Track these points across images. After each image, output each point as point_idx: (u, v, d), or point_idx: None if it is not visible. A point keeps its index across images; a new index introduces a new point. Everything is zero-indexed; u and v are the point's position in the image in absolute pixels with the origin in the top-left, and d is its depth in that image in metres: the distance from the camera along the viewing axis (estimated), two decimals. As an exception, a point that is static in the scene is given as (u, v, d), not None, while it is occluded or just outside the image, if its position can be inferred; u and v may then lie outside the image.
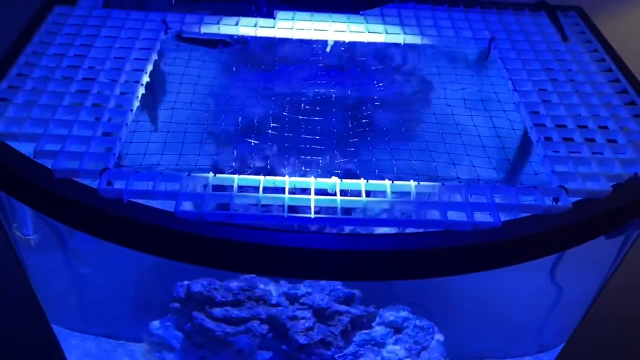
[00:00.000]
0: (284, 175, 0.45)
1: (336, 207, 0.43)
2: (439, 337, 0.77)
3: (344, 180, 0.45)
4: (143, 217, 0.41)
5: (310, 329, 0.71)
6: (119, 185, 0.44)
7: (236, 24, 0.67)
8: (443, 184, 0.45)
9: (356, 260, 0.41)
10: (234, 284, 0.76)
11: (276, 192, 0.44)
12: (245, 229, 0.41)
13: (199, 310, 0.76)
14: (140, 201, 0.44)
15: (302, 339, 0.71)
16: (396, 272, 0.42)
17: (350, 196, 0.44)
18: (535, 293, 0.83)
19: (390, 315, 0.75)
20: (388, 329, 0.74)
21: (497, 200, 0.44)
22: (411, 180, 0.45)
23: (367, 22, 0.68)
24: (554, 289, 0.80)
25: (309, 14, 0.68)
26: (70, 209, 0.44)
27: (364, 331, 0.75)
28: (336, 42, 0.68)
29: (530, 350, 0.90)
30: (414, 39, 0.66)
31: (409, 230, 0.42)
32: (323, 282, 0.78)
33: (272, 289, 0.76)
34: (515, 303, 0.83)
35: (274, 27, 0.67)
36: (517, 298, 0.82)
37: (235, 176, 0.45)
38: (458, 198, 0.44)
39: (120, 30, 0.64)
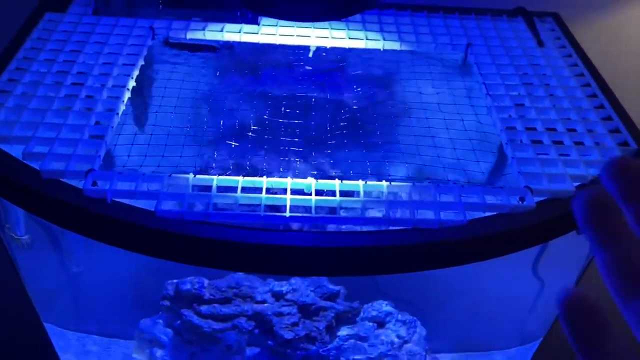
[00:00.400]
0: (262, 176, 0.47)
1: (311, 207, 0.45)
2: (421, 331, 0.79)
3: (319, 181, 0.46)
4: (125, 216, 0.43)
5: (295, 324, 0.73)
6: (103, 185, 0.46)
7: (221, 30, 0.68)
8: (413, 184, 0.46)
9: (326, 256, 0.42)
10: (221, 282, 0.78)
11: (254, 192, 0.45)
12: (223, 227, 0.43)
13: (188, 307, 0.77)
14: (124, 201, 0.46)
15: (287, 334, 0.72)
16: (366, 267, 0.43)
17: (326, 196, 0.45)
18: (518, 287, 0.84)
19: (373, 310, 0.77)
20: (371, 324, 0.76)
21: (465, 199, 0.45)
22: (383, 181, 0.46)
23: (348, 29, 0.70)
24: (536, 282, 0.82)
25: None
26: (56, 209, 0.46)
27: (347, 326, 0.76)
28: (318, 48, 0.70)
29: (511, 343, 0.91)
30: (393, 45, 0.68)
31: (380, 228, 0.43)
32: (309, 279, 0.80)
33: (259, 286, 0.77)
34: (498, 297, 0.84)
35: (258, 33, 0.68)
36: (500, 292, 0.84)
37: (215, 177, 0.47)
38: (427, 197, 0.46)
39: (109, 36, 0.65)
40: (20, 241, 0.71)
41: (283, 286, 0.76)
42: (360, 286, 0.84)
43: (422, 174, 0.49)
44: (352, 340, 0.75)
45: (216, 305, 0.74)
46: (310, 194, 0.46)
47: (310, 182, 0.46)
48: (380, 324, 0.77)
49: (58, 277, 0.85)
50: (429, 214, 0.44)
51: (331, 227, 0.45)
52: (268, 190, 0.46)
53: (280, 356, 0.79)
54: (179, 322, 0.80)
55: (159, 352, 0.84)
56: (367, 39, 0.68)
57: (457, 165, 0.50)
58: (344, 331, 0.77)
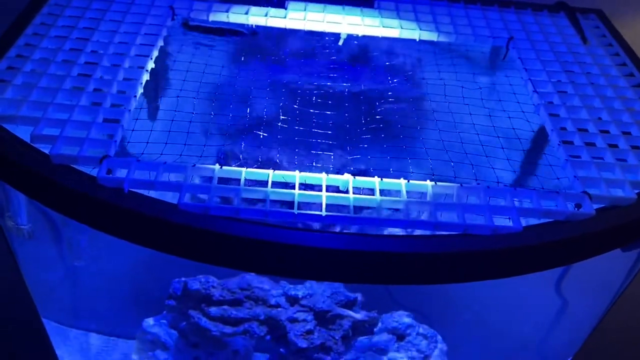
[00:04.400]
0: (292, 170, 0.44)
1: (348, 206, 0.41)
2: (442, 346, 0.75)
3: (357, 178, 0.43)
4: (144, 208, 0.40)
5: (310, 332, 0.69)
6: (119, 174, 0.43)
7: (246, 13, 0.65)
8: (461, 185, 0.43)
9: (367, 262, 0.39)
10: (232, 283, 0.75)
11: (285, 188, 0.42)
12: (253, 224, 0.39)
13: (196, 308, 0.74)
14: (141, 192, 0.42)
15: (301, 343, 0.69)
16: (409, 276, 0.40)
17: (363, 194, 0.42)
18: (541, 307, 0.81)
19: (393, 321, 0.73)
20: (390, 336, 0.73)
21: (517, 204, 0.42)
22: (427, 180, 0.43)
23: (381, 17, 0.66)
24: (560, 303, 0.78)
25: (321, 5, 0.67)
26: (67, 198, 0.42)
27: (365, 337, 0.73)
28: (349, 36, 0.67)
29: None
30: (430, 36, 0.65)
31: (424, 232, 0.40)
32: (325, 284, 0.76)
33: (272, 288, 0.74)
34: (520, 316, 0.81)
35: (285, 17, 0.65)
36: (522, 311, 0.81)
37: (243, 169, 0.43)
38: (476, 200, 0.42)
39: (125, 14, 0.62)
40: (22, 231, 0.67)
41: (298, 290, 0.72)
42: (377, 294, 0.81)
43: (460, 174, 0.46)
44: (370, 352, 0.72)
45: (226, 307, 0.71)
46: (347, 192, 0.42)
47: (347, 179, 0.43)
48: (400, 337, 0.74)
49: (59, 270, 0.82)
50: (479, 219, 0.41)
51: (370, 230, 0.41)
52: (301, 187, 0.42)
53: (291, 364, 0.76)
54: (184, 323, 0.77)
55: (161, 355, 0.81)
56: (401, 28, 0.65)
57: (507, 166, 0.46)
58: (361, 342, 0.74)
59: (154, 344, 0.81)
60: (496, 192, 0.43)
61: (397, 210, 0.41)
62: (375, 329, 0.74)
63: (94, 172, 0.43)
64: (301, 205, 0.41)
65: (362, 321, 0.73)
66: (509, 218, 0.41)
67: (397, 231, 0.41)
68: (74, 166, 0.44)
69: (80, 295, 0.88)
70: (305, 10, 0.66)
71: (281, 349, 0.73)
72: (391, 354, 0.71)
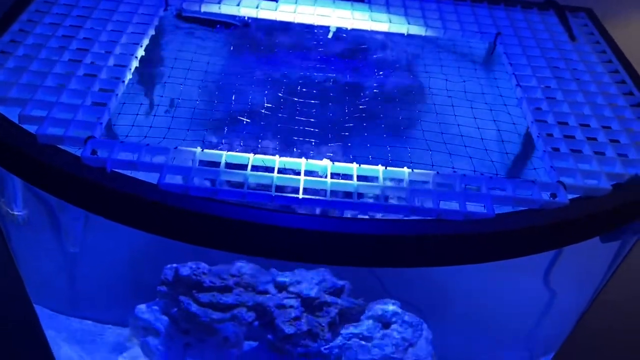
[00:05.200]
0: (273, 155, 0.44)
1: (326, 190, 0.41)
2: (427, 334, 0.75)
3: (336, 163, 0.43)
4: (126, 187, 0.40)
5: (297, 318, 0.69)
6: (103, 154, 0.43)
7: (238, 5, 0.65)
8: (437, 173, 0.43)
9: (342, 244, 0.39)
10: (223, 269, 0.75)
11: (265, 172, 0.42)
12: (231, 205, 0.39)
13: (186, 294, 0.74)
14: (125, 172, 0.42)
15: (288, 329, 0.69)
16: (383, 258, 0.40)
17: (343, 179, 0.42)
18: (527, 298, 0.81)
19: (379, 309, 0.73)
20: (376, 323, 0.72)
21: (493, 192, 0.42)
22: (405, 167, 0.43)
23: (371, 11, 0.66)
24: (547, 294, 0.78)
25: (312, -2, 0.67)
26: (52, 177, 0.42)
27: (351, 324, 0.73)
28: (338, 29, 0.67)
29: (521, 356, 0.88)
30: (418, 30, 0.65)
31: (400, 216, 0.40)
32: (313, 272, 0.76)
33: (261, 276, 0.74)
34: (507, 308, 0.81)
35: (276, 9, 0.65)
36: (509, 303, 0.81)
37: (224, 152, 0.43)
38: (452, 187, 0.42)
39: (119, 3, 0.62)
40: (16, 217, 0.67)
41: (286, 277, 0.72)
42: (364, 282, 0.81)
43: (445, 164, 0.45)
44: (355, 340, 0.72)
45: (216, 293, 0.71)
46: (325, 177, 0.42)
47: (326, 165, 0.43)
48: (386, 325, 0.74)
49: (52, 257, 0.82)
50: (453, 205, 0.41)
51: (346, 214, 0.41)
52: (280, 171, 0.42)
53: (279, 352, 0.76)
54: (175, 309, 0.77)
55: (153, 341, 0.81)
56: (390, 22, 0.65)
57: (486, 157, 0.46)
58: (347, 329, 0.74)
59: (146, 330, 0.81)
60: (472, 180, 0.43)
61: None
62: (362, 317, 0.74)
63: (79, 152, 0.43)
64: (281, 189, 0.41)
65: (349, 308, 0.73)
66: (484, 205, 0.41)
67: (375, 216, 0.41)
68: (60, 146, 0.44)
69: (74, 282, 0.88)
70: (296, 3, 0.66)
71: (269, 335, 0.73)
72: (376, 342, 0.71)
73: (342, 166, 0.43)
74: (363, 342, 0.73)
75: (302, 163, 0.43)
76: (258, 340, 0.79)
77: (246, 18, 0.68)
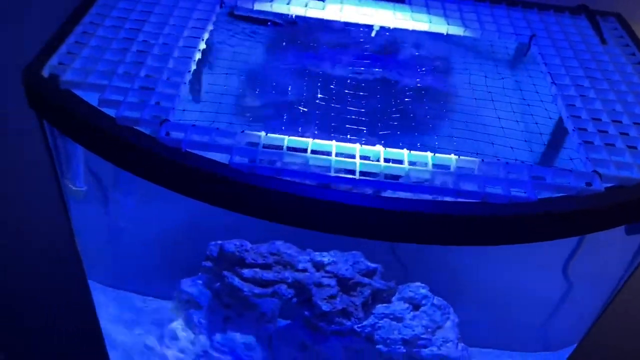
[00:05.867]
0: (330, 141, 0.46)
1: (379, 173, 0.44)
2: (454, 318, 0.78)
3: (388, 149, 0.46)
4: (200, 165, 0.43)
5: (333, 297, 0.72)
6: (177, 136, 0.46)
7: (288, 3, 0.68)
8: (482, 160, 0.45)
9: (395, 221, 0.41)
10: (263, 248, 0.78)
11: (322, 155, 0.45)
12: (293, 183, 0.42)
13: (229, 270, 0.77)
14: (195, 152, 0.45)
15: (325, 306, 0.72)
16: (433, 235, 0.42)
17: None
18: (548, 289, 0.83)
19: (409, 291, 0.75)
20: (407, 305, 0.75)
21: (534, 179, 0.44)
22: (452, 154, 0.45)
23: (412, 11, 0.69)
24: (566, 286, 0.80)
25: (357, -1, 0.69)
26: (133, 155, 0.46)
27: (383, 304, 0.75)
28: (381, 28, 0.69)
29: (538, 347, 0.90)
30: (457, 30, 0.67)
31: (447, 198, 0.43)
32: (347, 254, 0.79)
33: (298, 255, 0.77)
34: (528, 298, 0.83)
35: (323, 9, 0.68)
36: (530, 293, 0.82)
37: (286, 137, 0.46)
38: (495, 174, 0.44)
39: (178, 0, 0.65)
40: (78, 193, 0.71)
41: (324, 257, 0.75)
42: (389, 268, 0.83)
43: (488, 152, 0.48)
44: (387, 320, 0.74)
45: (258, 269, 0.74)
46: (378, 161, 0.45)
47: (379, 150, 0.46)
48: (416, 306, 0.76)
49: (105, 232, 0.86)
50: (497, 190, 0.43)
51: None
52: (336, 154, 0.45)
53: (313, 328, 0.79)
54: (219, 284, 0.80)
55: (196, 314, 0.84)
56: (430, 22, 0.67)
57: (521, 146, 0.49)
58: (379, 309, 0.76)
59: (189, 303, 0.84)
60: (514, 167, 0.45)
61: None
62: (393, 298, 0.77)
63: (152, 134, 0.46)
64: (337, 170, 0.44)
65: (381, 290, 0.76)
66: (525, 191, 0.44)
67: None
68: (137, 128, 0.47)
69: (122, 256, 0.91)
70: (342, 2, 0.68)
71: (305, 312, 0.76)
72: (407, 322, 0.74)
73: (393, 152, 0.46)
74: (394, 322, 0.75)
75: (357, 148, 0.46)
76: (293, 316, 0.82)
77: (293, 16, 0.71)
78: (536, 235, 0.44)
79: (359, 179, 0.43)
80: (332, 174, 0.43)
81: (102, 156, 0.49)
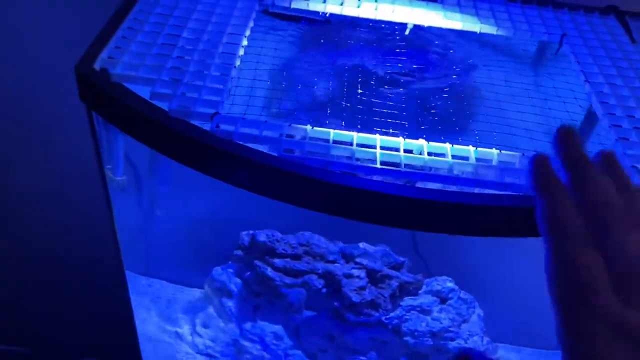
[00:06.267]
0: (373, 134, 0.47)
1: (423, 165, 0.45)
2: (480, 312, 0.78)
3: (431, 143, 0.47)
4: (252, 156, 0.44)
5: (362, 288, 0.73)
6: (228, 128, 0.47)
7: (324, 2, 0.69)
8: (523, 154, 0.46)
9: (441, 211, 0.43)
10: (292, 238, 0.79)
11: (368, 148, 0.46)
12: (341, 174, 0.43)
13: (260, 259, 0.79)
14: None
15: (355, 297, 0.73)
16: (482, 227, 0.43)
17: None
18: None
19: (437, 285, 0.76)
20: (434, 298, 0.76)
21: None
22: (493, 149, 0.46)
23: (444, 10, 0.69)
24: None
25: (391, -3, 0.70)
26: (185, 147, 0.47)
27: (411, 297, 0.77)
28: (415, 26, 0.70)
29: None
30: (490, 29, 0.67)
31: (490, 191, 0.44)
32: (375, 246, 0.80)
33: (327, 246, 0.78)
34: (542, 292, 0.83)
35: (359, 7, 0.69)
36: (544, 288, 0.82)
37: (332, 130, 0.47)
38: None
39: (219, -1, 0.66)
40: (119, 182, 0.73)
41: (354, 249, 0.76)
42: (418, 261, 0.84)
43: (526, 146, 0.49)
44: (414, 312, 0.76)
45: (289, 260, 0.75)
46: (422, 154, 0.46)
47: (422, 144, 0.47)
48: (443, 300, 0.77)
49: (140, 221, 0.88)
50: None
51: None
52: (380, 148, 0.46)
53: (341, 319, 0.80)
54: (249, 273, 0.82)
55: (226, 302, 0.86)
56: (463, 21, 0.68)
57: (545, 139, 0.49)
58: (406, 302, 0.77)
59: (220, 292, 0.86)
60: (554, 162, 0.46)
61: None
62: (420, 291, 0.78)
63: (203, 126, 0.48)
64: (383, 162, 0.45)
65: (409, 283, 0.77)
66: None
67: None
68: (188, 120, 0.49)
69: (156, 244, 0.93)
70: (376, 1, 0.69)
71: (335, 303, 0.77)
72: (434, 315, 0.75)
73: (436, 145, 0.47)
74: (421, 315, 0.76)
75: (401, 142, 0.47)
76: (322, 307, 0.83)
77: (327, 15, 0.72)
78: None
79: (404, 171, 0.44)
80: (379, 165, 0.44)
81: (154, 148, 0.51)
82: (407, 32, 0.71)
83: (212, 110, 0.49)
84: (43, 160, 0.98)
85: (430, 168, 0.44)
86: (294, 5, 0.69)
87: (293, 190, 0.44)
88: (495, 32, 0.67)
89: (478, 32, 0.67)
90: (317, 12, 0.71)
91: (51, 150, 0.95)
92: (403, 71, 0.66)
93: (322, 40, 0.72)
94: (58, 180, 0.97)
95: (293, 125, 0.48)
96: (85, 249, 1.00)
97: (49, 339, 1.12)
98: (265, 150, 0.46)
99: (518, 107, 0.56)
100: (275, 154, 0.45)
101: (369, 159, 0.45)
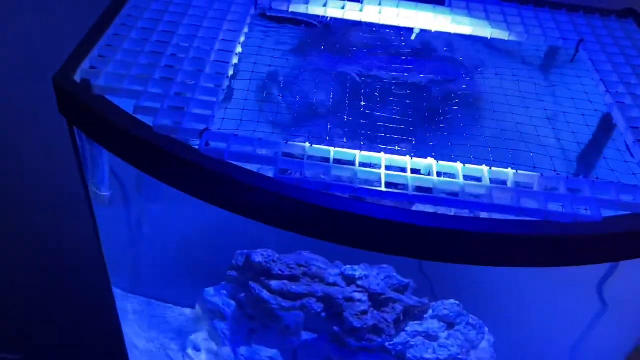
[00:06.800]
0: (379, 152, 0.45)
1: (431, 188, 0.42)
2: (490, 337, 0.76)
3: (441, 162, 0.44)
4: (244, 178, 0.41)
5: (364, 312, 0.71)
6: (218, 146, 0.45)
7: (324, 5, 0.66)
8: (542, 175, 0.43)
9: (449, 240, 0.40)
10: (290, 259, 0.76)
11: (371, 167, 0.43)
12: (343, 199, 0.41)
13: (255, 280, 0.76)
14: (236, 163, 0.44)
15: (356, 322, 0.70)
16: (493, 257, 0.41)
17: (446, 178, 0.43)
18: (583, 312, 0.80)
19: (444, 309, 0.74)
20: (441, 323, 0.73)
21: (598, 195, 0.42)
22: (509, 168, 0.44)
23: (453, 14, 0.67)
24: (601, 309, 0.77)
25: (395, 1, 0.68)
26: (171, 166, 0.44)
27: (416, 322, 0.74)
28: (421, 31, 0.68)
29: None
30: (501, 34, 0.65)
31: (506, 216, 0.41)
32: (377, 268, 0.77)
33: (328, 268, 0.75)
34: (562, 320, 0.80)
35: (361, 11, 0.66)
36: (564, 314, 0.80)
37: (332, 148, 0.45)
38: (557, 190, 0.43)
39: (212, 1, 0.64)
40: (103, 198, 0.70)
41: (355, 271, 0.73)
42: (424, 283, 0.81)
43: (545, 165, 0.46)
44: (420, 338, 0.73)
45: (286, 281, 0.73)
46: (430, 175, 0.43)
47: (431, 163, 0.44)
48: (450, 325, 0.75)
49: (128, 238, 0.85)
50: (559, 207, 0.41)
51: (447, 211, 0.42)
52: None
53: (340, 344, 0.77)
54: (243, 294, 0.79)
55: (219, 325, 0.83)
56: (473, 26, 0.65)
57: (575, 158, 0.47)
58: (411, 327, 0.75)
59: (212, 313, 0.83)
60: (575, 182, 0.43)
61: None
62: (425, 316, 0.75)
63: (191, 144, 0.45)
64: (387, 185, 0.42)
65: (414, 307, 0.74)
66: (586, 209, 0.42)
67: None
68: (174, 137, 0.46)
69: (144, 262, 0.91)
70: (380, 4, 0.67)
71: (335, 327, 0.75)
72: (441, 341, 0.72)
73: (446, 165, 0.44)
74: (427, 341, 0.73)
75: (408, 162, 0.44)
76: (320, 331, 0.80)
77: (328, 19, 0.69)
78: (601, 257, 0.42)
79: (412, 195, 0.41)
80: (383, 189, 0.41)
81: (138, 167, 0.48)
82: (413, 37, 0.68)
83: (201, 126, 0.46)
84: (28, 172, 0.96)
85: (441, 191, 0.41)
86: (292, 9, 0.67)
87: (290, 215, 0.42)
88: (507, 38, 0.65)
89: (489, 38, 0.65)
90: (317, 16, 0.68)
91: (37, 164, 0.93)
92: (409, 80, 0.63)
93: (322, 47, 0.70)
94: (47, 193, 0.95)
95: (290, 142, 0.45)
96: (76, 263, 0.97)
97: (42, 345, 1.11)
98: (259, 171, 0.43)
99: (532, 121, 0.53)
100: (270, 175, 0.42)
101: (373, 180, 0.43)
